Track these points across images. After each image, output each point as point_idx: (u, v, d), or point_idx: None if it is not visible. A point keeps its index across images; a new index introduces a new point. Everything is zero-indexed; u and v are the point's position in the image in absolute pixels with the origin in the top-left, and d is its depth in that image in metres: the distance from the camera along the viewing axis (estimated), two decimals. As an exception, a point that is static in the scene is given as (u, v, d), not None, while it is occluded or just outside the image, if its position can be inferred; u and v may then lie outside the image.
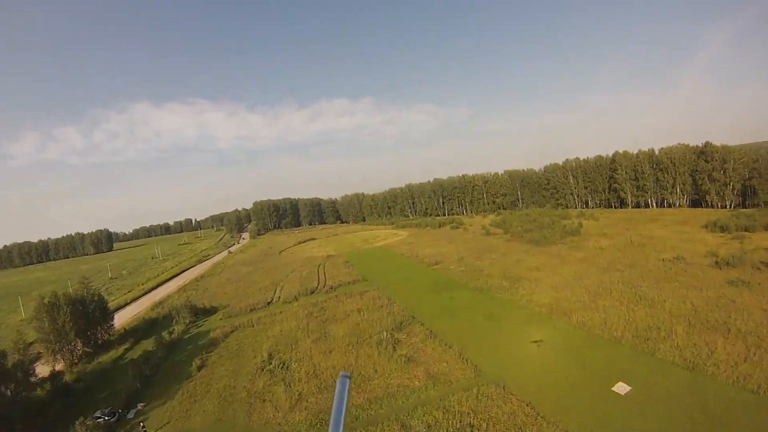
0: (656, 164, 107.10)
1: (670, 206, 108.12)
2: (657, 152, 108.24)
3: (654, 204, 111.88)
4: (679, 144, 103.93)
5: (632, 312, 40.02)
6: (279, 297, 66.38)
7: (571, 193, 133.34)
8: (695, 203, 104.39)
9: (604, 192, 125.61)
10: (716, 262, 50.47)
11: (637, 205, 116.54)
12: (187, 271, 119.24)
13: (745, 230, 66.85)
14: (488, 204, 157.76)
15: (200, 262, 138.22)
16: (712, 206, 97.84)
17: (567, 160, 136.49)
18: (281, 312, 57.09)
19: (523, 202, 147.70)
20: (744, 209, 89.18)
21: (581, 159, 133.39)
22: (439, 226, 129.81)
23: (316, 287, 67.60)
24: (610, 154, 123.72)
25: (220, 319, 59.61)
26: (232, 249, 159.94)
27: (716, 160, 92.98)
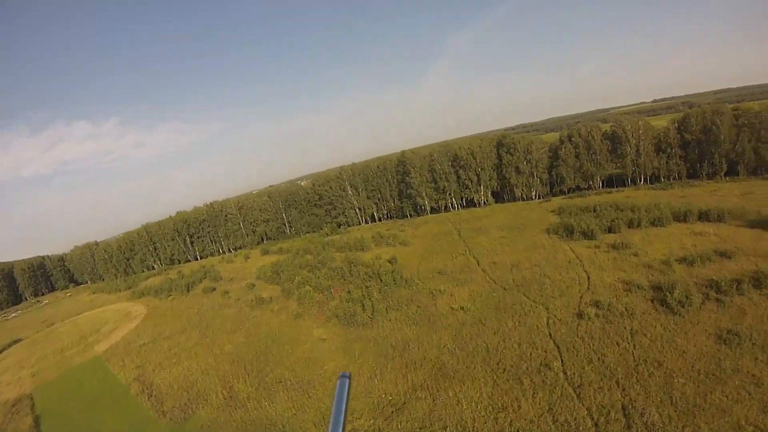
0: (454, 161, 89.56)
1: (475, 205, 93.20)
2: (455, 147, 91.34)
3: (457, 205, 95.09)
4: (476, 137, 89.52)
5: None
6: None
7: (352, 207, 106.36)
8: (496, 197, 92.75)
9: (394, 200, 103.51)
10: (662, 303, 32.08)
11: (435, 209, 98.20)
12: None
13: (609, 231, 49.52)
14: (248, 236, 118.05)
15: None
16: (517, 198, 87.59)
17: (342, 167, 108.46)
18: None
19: (291, 228, 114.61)
20: (555, 198, 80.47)
21: (359, 163, 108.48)
22: (188, 290, 77.78)
23: None
24: (395, 155, 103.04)
25: None
26: None
27: (519, 152, 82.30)
